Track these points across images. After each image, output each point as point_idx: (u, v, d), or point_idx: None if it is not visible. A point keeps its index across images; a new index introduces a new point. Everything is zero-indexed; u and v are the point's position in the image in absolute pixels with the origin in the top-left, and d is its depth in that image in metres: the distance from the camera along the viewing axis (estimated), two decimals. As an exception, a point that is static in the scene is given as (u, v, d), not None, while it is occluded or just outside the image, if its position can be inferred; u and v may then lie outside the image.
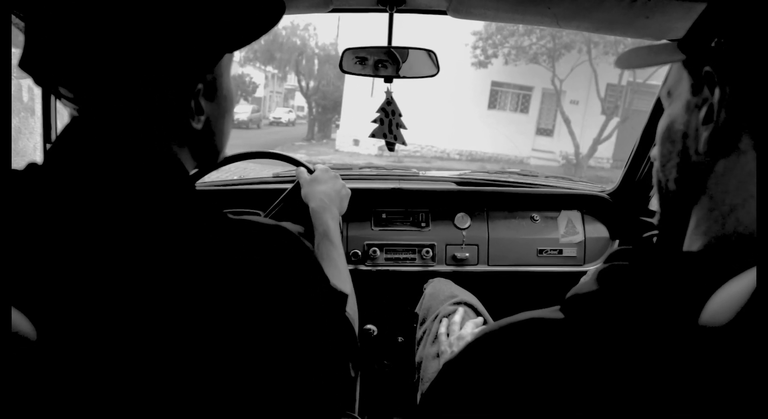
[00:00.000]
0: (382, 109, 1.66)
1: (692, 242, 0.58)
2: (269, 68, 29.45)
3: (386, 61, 1.58)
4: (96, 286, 0.58)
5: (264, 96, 35.92)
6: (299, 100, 31.96)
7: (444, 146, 21.59)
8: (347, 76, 23.26)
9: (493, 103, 22.09)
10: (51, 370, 0.55)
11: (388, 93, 1.64)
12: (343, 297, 0.86)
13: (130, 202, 0.63)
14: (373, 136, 1.68)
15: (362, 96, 20.64)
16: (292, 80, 33.48)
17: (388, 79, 1.60)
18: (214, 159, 0.83)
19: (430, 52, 1.60)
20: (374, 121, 1.66)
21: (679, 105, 0.61)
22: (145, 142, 0.68)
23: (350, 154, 20.90)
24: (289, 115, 33.54)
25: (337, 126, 24.15)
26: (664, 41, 0.71)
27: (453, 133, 20.91)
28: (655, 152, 0.67)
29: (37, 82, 0.69)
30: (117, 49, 0.62)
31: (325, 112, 27.75)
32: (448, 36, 17.62)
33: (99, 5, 0.61)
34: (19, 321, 0.52)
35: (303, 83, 27.80)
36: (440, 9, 1.57)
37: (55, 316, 0.56)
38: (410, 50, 1.58)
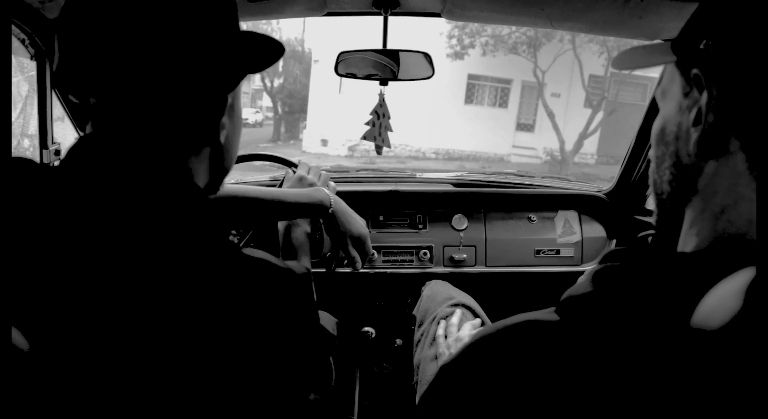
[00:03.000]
0: (374, 112, 1.77)
1: (686, 243, 0.61)
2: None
3: (382, 64, 1.70)
4: (96, 298, 0.61)
5: (231, 97, 35.92)
6: (267, 100, 31.70)
7: (419, 145, 21.48)
8: (313, 73, 22.93)
9: (470, 98, 22.04)
10: (45, 378, 0.58)
11: (381, 95, 1.75)
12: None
13: (139, 220, 0.66)
14: (364, 138, 1.78)
15: (330, 93, 20.50)
16: (259, 80, 33.27)
17: (383, 82, 1.71)
18: (224, 174, 0.90)
19: (425, 55, 1.71)
20: (367, 124, 1.77)
21: (672, 106, 0.64)
22: (166, 159, 0.73)
23: (318, 155, 20.70)
24: (256, 115, 33.28)
25: (306, 126, 24.01)
26: (658, 41, 0.74)
27: (428, 131, 20.76)
28: (652, 153, 0.71)
29: (69, 95, 0.75)
30: (155, 68, 0.69)
31: (292, 112, 27.54)
32: (421, 24, 17.44)
33: (141, 31, 0.67)
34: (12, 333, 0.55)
35: (267, 81, 27.54)
36: (434, 11, 1.69)
37: (56, 327, 0.59)
38: (406, 52, 1.70)
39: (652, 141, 0.69)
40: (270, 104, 29.98)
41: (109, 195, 0.66)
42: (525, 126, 22.62)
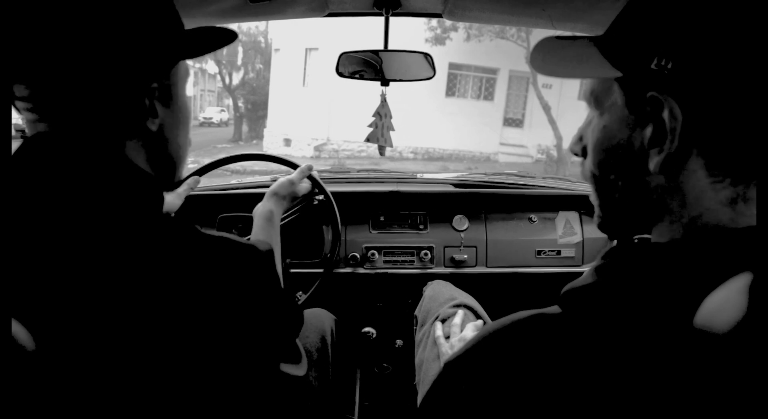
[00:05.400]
0: (377, 113, 1.99)
1: (661, 234, 0.66)
2: (188, 61, 29.10)
3: (383, 64, 1.90)
4: (67, 287, 0.67)
5: (194, 95, 36.16)
6: (236, 98, 31.92)
7: (395, 143, 20.50)
8: (274, 63, 22.47)
9: (451, 90, 21.79)
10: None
11: (383, 95, 1.97)
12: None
13: (92, 210, 0.72)
14: (368, 140, 2.00)
15: (293, 86, 20.24)
16: (218, 77, 33.36)
17: (385, 82, 1.92)
18: (171, 170, 0.95)
19: (426, 55, 1.93)
20: (370, 125, 1.98)
21: (614, 119, 0.66)
22: (103, 145, 0.79)
23: (281, 156, 19.91)
24: (221, 114, 34.30)
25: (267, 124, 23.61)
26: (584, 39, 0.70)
27: (405, 128, 19.53)
28: (573, 147, 0.78)
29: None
30: (71, 52, 0.73)
31: (255, 109, 27.54)
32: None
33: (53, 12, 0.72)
34: (17, 330, 0.59)
35: (225, 75, 27.60)
36: (435, 12, 1.88)
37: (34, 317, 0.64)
38: (406, 53, 1.91)
39: (591, 145, 0.72)
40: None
41: (61, 190, 0.72)
42: (513, 121, 22.45)
